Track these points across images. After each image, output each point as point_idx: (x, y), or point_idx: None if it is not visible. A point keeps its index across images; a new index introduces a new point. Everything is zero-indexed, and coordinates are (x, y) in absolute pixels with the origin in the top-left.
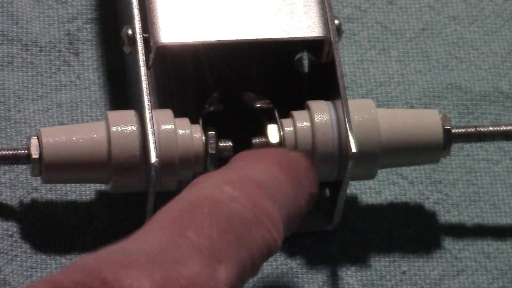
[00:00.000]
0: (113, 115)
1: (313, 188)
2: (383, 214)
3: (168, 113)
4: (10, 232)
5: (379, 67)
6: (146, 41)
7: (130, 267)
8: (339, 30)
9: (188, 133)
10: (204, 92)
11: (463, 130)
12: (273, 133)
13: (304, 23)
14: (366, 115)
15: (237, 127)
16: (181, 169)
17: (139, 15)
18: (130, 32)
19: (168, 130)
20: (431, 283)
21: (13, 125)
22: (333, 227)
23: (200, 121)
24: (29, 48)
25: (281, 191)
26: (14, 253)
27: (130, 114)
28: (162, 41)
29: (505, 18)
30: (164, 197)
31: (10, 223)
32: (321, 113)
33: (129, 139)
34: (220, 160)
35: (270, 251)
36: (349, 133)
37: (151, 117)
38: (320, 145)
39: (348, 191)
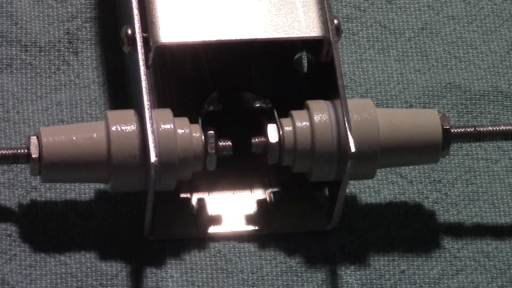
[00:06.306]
0: (113, 114)
1: None
2: (382, 214)
3: (167, 112)
4: (8, 232)
5: (378, 66)
6: (145, 41)
7: None
8: (338, 29)
9: (187, 132)
10: (204, 92)
11: (462, 130)
12: (272, 132)
13: (303, 23)
14: (365, 114)
15: (236, 127)
16: (181, 169)
17: (138, 14)
18: (129, 31)
19: (168, 130)
20: (430, 282)
21: (12, 126)
22: (332, 226)
23: (200, 121)
24: (29, 48)
25: None
26: (13, 252)
27: (130, 113)
28: (161, 41)
29: (504, 18)
30: (164, 197)
31: (8, 223)
32: (320, 112)
33: (128, 138)
34: (219, 159)
35: None
36: (348, 133)
37: (151, 116)
38: (319, 145)
39: (347, 190)
